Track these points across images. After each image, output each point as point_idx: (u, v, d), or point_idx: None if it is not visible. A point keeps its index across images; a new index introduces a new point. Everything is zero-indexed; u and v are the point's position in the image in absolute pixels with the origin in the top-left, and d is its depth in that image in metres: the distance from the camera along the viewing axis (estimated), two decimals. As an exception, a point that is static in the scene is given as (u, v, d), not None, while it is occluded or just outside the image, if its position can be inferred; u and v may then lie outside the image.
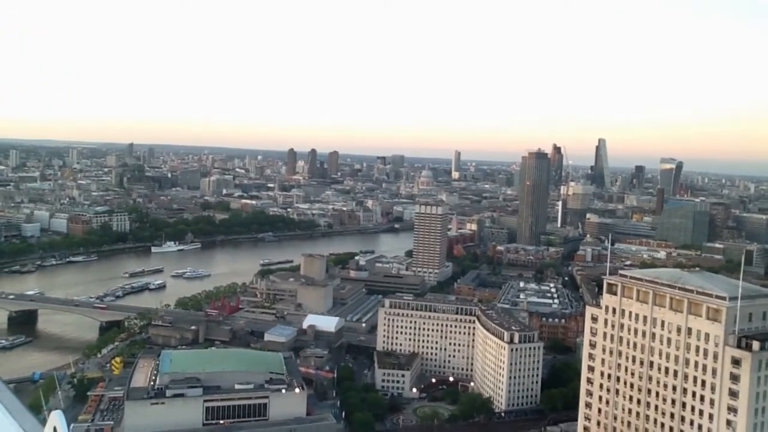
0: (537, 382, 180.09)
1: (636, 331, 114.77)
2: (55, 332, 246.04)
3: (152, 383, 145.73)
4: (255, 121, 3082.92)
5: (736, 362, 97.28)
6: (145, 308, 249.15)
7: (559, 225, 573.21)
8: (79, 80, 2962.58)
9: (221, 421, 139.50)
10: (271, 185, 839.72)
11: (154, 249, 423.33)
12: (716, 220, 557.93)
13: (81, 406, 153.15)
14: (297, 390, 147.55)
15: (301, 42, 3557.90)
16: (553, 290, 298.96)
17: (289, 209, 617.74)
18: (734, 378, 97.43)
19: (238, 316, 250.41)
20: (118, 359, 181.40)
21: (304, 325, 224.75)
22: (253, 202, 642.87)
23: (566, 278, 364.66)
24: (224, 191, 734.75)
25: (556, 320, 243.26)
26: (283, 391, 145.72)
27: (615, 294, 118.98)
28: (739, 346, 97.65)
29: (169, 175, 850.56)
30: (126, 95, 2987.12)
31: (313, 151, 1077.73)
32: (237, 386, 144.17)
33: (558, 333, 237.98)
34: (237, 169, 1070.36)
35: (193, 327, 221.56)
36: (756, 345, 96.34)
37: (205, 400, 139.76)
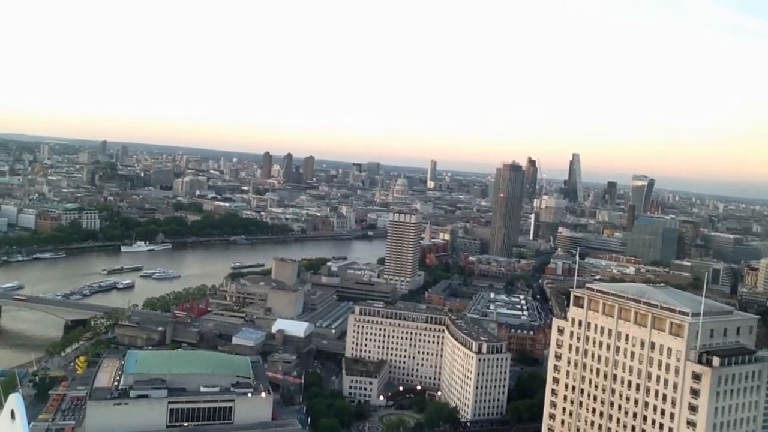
0: (504, 392, 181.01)
1: (601, 344, 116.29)
2: (19, 329, 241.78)
3: (116, 383, 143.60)
4: (231, 123, 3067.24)
5: (696, 377, 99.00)
6: (112, 308, 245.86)
7: (531, 237, 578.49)
8: (53, 75, 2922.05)
9: (185, 424, 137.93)
10: (245, 188, 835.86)
11: (123, 248, 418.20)
12: (685, 238, 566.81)
13: (42, 405, 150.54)
14: (263, 394, 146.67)
15: (278, 45, 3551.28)
16: (522, 302, 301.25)
17: (262, 213, 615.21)
18: (694, 393, 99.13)
19: (207, 318, 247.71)
20: (82, 358, 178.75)
21: (273, 330, 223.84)
22: (227, 204, 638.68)
23: (537, 290, 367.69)
24: (197, 192, 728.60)
25: (525, 332, 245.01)
26: (249, 395, 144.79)
27: (581, 307, 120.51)
28: (700, 362, 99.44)
29: (142, 174, 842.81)
30: (101, 92, 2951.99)
31: (289, 155, 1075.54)
32: (202, 389, 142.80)
33: (526, 345, 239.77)
34: (211, 171, 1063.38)
35: (160, 328, 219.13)
36: (716, 361, 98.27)
37: (169, 402, 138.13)
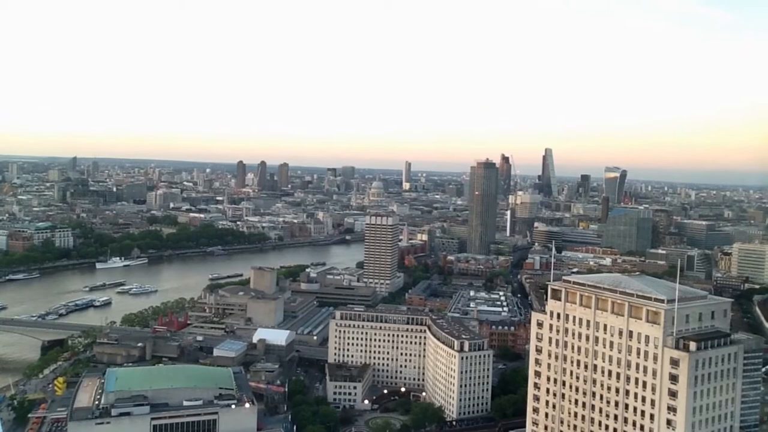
0: (487, 389, 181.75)
1: (580, 335, 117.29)
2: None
3: (97, 402, 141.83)
4: (203, 134, 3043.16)
5: (674, 363, 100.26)
6: (89, 326, 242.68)
7: (508, 234, 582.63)
8: (19, 92, 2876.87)
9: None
10: (220, 198, 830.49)
11: (99, 265, 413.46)
12: (659, 227, 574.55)
13: (22, 429, 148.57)
14: (247, 405, 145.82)
15: (246, 54, 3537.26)
16: (502, 298, 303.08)
17: (238, 222, 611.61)
18: (673, 378, 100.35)
19: (187, 331, 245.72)
20: (61, 379, 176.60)
21: (254, 340, 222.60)
22: (202, 215, 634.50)
23: (516, 286, 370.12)
24: (171, 205, 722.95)
25: (506, 328, 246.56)
26: (233, 406, 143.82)
27: (559, 299, 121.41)
28: (677, 347, 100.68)
29: (115, 189, 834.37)
30: (69, 108, 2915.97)
31: (263, 163, 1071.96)
32: (185, 403, 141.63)
33: (508, 340, 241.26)
34: (185, 183, 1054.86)
35: (139, 344, 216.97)
36: (693, 345, 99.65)
37: (152, 418, 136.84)
